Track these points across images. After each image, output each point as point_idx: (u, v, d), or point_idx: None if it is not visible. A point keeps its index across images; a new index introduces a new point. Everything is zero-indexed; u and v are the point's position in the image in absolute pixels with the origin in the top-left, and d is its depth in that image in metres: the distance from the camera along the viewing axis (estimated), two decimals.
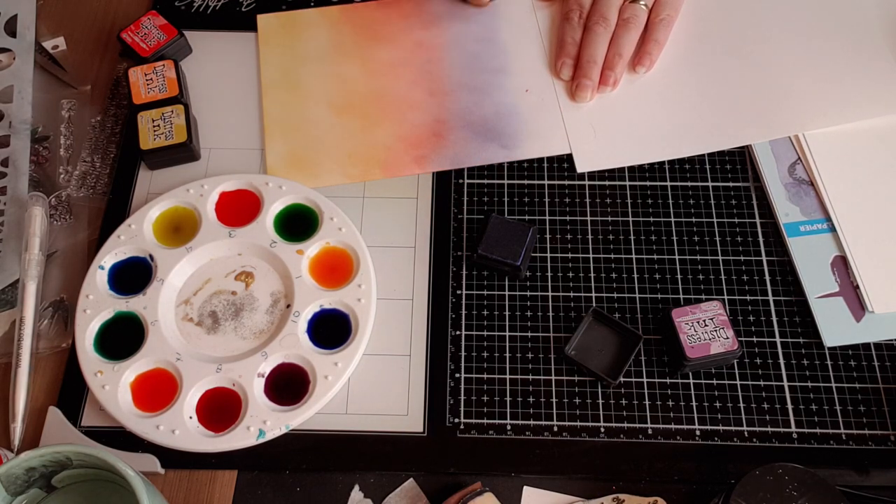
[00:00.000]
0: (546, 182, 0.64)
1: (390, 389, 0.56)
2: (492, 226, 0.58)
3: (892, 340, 0.57)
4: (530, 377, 0.56)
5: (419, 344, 0.58)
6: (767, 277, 0.59)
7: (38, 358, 0.58)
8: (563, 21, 0.68)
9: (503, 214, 0.62)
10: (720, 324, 0.55)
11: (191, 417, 0.55)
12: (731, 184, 0.63)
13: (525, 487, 0.53)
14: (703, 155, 0.64)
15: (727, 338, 0.55)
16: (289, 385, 0.56)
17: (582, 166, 0.64)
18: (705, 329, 0.55)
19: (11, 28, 0.71)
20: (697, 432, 0.54)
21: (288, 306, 0.58)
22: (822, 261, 0.59)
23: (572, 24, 0.67)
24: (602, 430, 0.55)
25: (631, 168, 0.64)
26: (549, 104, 0.66)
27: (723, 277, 0.60)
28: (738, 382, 0.56)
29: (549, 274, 0.60)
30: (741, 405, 0.55)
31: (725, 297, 0.59)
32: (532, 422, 0.55)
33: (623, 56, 0.66)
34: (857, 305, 0.58)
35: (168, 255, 0.59)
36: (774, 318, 0.58)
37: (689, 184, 0.63)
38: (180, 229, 0.61)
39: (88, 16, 0.73)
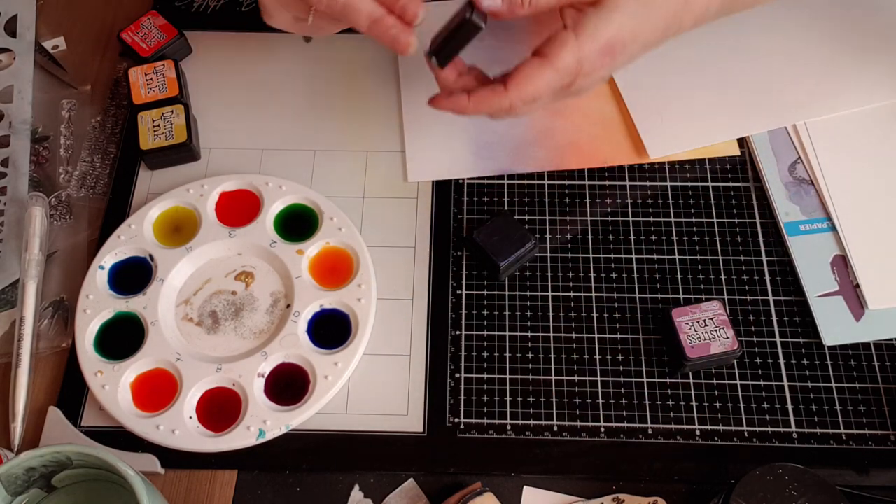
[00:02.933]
0: (546, 182, 0.63)
1: (390, 389, 0.56)
2: (498, 219, 0.58)
3: (891, 340, 0.57)
4: (530, 377, 0.56)
5: (419, 344, 0.58)
6: (767, 277, 0.59)
7: (38, 358, 0.58)
8: None
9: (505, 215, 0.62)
10: (720, 324, 0.55)
11: (191, 417, 0.55)
12: (731, 184, 0.63)
13: (525, 487, 0.53)
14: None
15: (727, 338, 0.55)
16: (289, 385, 0.56)
17: (654, 152, 0.64)
18: (705, 329, 0.55)
19: (11, 28, 0.71)
20: (697, 432, 0.54)
21: (288, 306, 0.58)
22: (822, 260, 0.59)
23: None
24: (602, 430, 0.55)
25: (631, 168, 0.64)
26: None
27: (723, 277, 0.60)
28: (738, 382, 0.56)
29: (549, 274, 0.60)
30: (741, 405, 0.55)
31: (725, 296, 0.59)
32: (532, 422, 0.55)
33: None
34: (857, 304, 0.58)
35: (168, 255, 0.59)
36: (774, 318, 0.58)
37: (689, 184, 0.63)
38: (180, 229, 0.61)
39: (88, 16, 0.73)
